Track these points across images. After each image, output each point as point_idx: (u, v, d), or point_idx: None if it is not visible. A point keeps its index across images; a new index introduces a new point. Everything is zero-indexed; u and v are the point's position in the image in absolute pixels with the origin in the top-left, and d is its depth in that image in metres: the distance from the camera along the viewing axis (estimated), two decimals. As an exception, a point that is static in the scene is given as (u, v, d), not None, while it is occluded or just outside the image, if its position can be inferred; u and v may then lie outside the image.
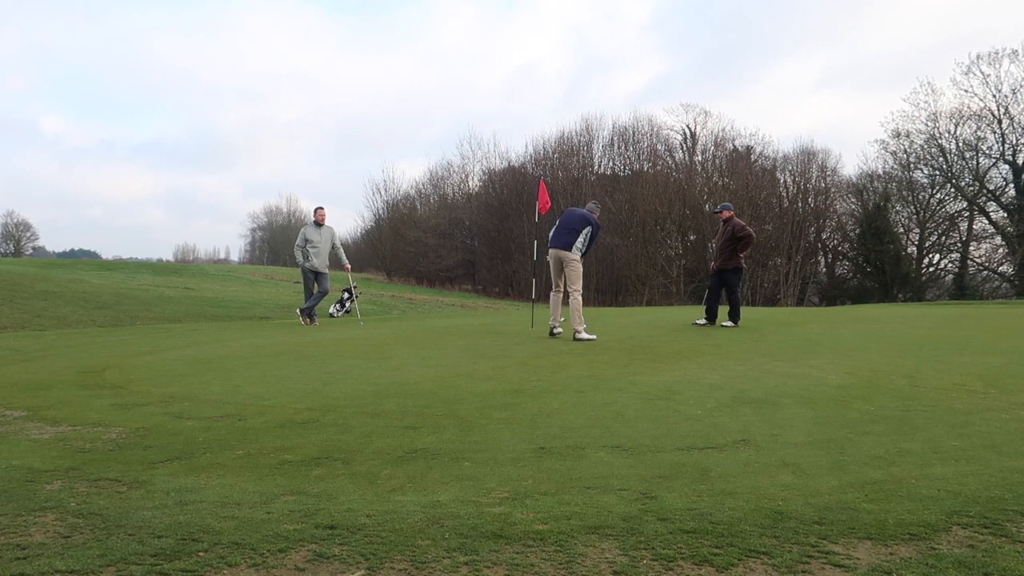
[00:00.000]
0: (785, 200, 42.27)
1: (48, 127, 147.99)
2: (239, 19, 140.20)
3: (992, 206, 39.78)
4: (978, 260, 40.68)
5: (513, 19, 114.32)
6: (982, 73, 37.48)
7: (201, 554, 2.14)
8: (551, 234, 9.06)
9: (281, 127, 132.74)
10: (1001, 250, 39.87)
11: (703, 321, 10.94)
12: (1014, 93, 36.90)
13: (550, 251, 8.99)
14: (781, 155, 43.71)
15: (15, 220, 73.10)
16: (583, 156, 44.27)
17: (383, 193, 53.80)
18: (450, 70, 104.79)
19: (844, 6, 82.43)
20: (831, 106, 79.13)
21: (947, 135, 39.49)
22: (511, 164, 48.10)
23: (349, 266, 13.17)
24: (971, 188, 39.54)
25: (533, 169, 43.72)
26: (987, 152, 38.71)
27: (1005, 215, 39.15)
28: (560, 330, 9.07)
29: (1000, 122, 37.63)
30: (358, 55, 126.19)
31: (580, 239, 8.84)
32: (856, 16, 78.53)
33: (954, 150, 39.40)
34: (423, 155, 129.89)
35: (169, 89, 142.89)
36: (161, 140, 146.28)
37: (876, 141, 45.41)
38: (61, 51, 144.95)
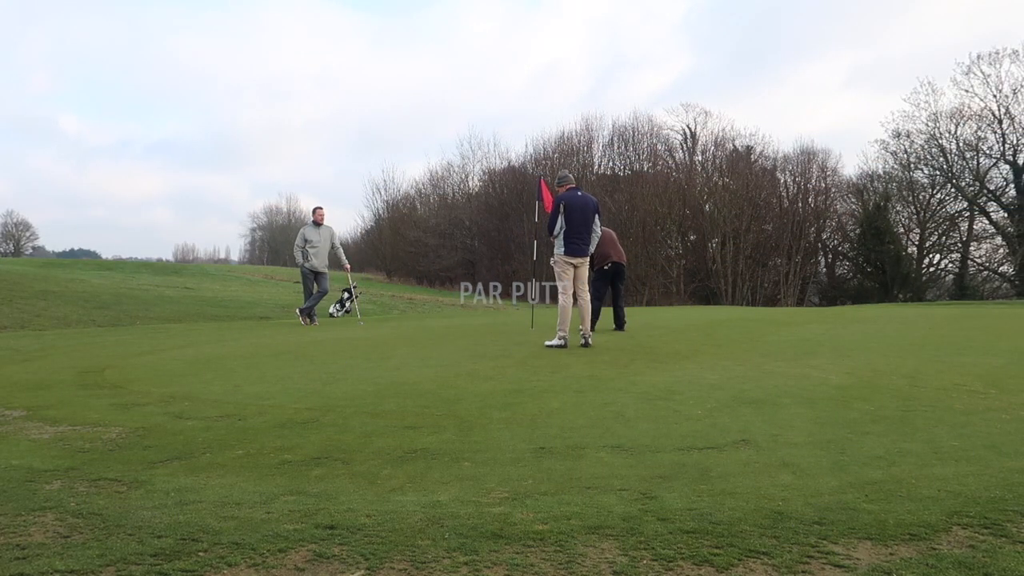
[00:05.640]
0: (785, 200, 42.29)
1: (67, 126, 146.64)
2: (265, 18, 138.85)
3: (992, 206, 39.82)
4: (978, 260, 40.73)
5: (539, 18, 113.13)
6: (982, 73, 37.50)
7: (201, 554, 2.14)
8: (568, 235, 7.76)
9: (299, 127, 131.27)
10: (1001, 250, 39.90)
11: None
12: (1015, 93, 36.93)
13: (576, 259, 7.82)
14: (781, 155, 43.74)
15: (15, 220, 73.09)
16: (583, 156, 44.25)
17: (383, 193, 53.88)
18: (474, 70, 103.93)
19: (874, 7, 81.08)
20: (853, 107, 78.24)
21: (947, 135, 39.50)
22: (511, 164, 48.10)
23: (349, 266, 13.19)
24: (971, 188, 39.52)
25: (533, 169, 43.68)
26: (987, 152, 38.74)
27: (1005, 215, 39.18)
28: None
29: (1000, 122, 37.66)
30: (382, 55, 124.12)
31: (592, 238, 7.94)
32: (885, 17, 77.42)
33: (954, 150, 39.42)
34: (436, 155, 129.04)
35: (191, 88, 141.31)
36: (177, 139, 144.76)
37: (876, 141, 45.20)
38: (85, 50, 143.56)
